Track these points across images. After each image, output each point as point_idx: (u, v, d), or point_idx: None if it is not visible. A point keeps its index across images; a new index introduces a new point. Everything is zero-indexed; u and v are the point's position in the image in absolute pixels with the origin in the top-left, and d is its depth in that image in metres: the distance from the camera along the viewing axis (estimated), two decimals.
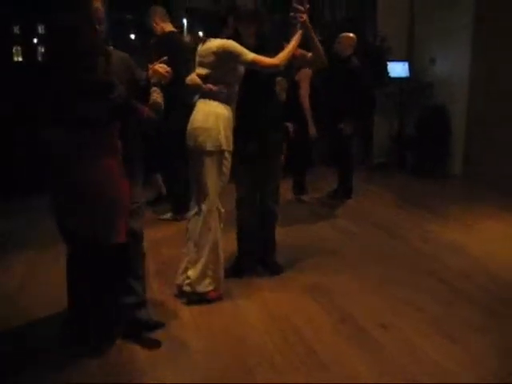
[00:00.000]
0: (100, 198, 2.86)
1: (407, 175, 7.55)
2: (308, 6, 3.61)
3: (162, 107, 3.20)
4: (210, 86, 3.59)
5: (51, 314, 3.61)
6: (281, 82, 7.16)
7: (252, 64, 3.54)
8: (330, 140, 6.63)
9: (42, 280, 4.22)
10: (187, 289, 3.76)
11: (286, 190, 6.63)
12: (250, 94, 3.80)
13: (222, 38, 3.60)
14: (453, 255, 4.63)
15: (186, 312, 3.68)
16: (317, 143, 7.56)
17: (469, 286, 4.01)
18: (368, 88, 6.43)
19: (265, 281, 4.16)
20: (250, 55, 3.51)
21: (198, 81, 3.63)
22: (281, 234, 5.03)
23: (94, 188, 2.84)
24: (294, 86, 5.81)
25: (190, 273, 3.74)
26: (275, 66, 3.58)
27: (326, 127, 6.43)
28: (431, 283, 4.10)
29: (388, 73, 7.67)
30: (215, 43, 3.56)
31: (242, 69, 3.68)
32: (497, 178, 6.49)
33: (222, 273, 3.82)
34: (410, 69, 7.95)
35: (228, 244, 4.22)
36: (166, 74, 3.24)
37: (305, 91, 5.98)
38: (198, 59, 3.70)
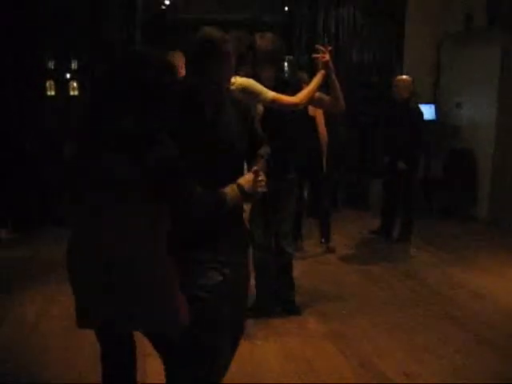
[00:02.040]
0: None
1: (433, 218, 7.45)
2: (331, 47, 3.66)
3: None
4: None
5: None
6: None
7: (272, 102, 3.54)
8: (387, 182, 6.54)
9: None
10: None
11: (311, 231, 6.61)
12: (269, 135, 3.80)
13: (240, 75, 3.62)
14: (477, 302, 4.53)
15: None
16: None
17: (493, 336, 3.91)
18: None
19: (283, 322, 4.10)
20: (270, 93, 3.51)
21: None
22: (302, 275, 5.01)
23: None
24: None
25: None
26: (295, 105, 3.59)
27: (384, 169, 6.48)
28: (453, 330, 4.01)
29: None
30: (237, 81, 3.58)
31: (260, 107, 3.70)
32: None
33: None
34: (436, 112, 7.95)
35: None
36: None
37: (322, 126, 5.82)
38: None
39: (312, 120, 5.72)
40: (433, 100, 8.16)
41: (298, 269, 5.25)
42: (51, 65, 7.09)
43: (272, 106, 3.61)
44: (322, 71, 3.66)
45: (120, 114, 2.02)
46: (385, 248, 6.20)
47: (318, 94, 3.74)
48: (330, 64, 3.64)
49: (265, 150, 2.60)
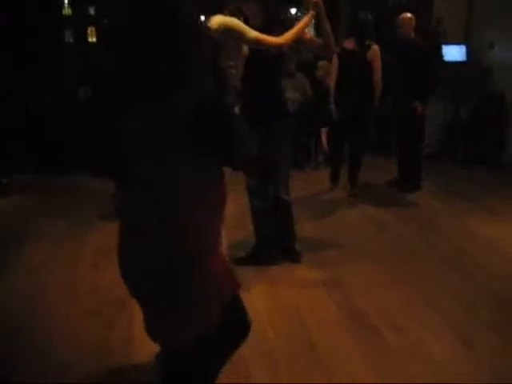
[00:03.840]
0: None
1: (458, 165, 7.18)
2: None
3: None
4: None
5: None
6: (324, 66, 6.98)
7: (255, 42, 3.39)
8: (401, 122, 6.30)
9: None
10: None
11: (326, 174, 6.48)
12: (254, 78, 3.65)
13: (225, 15, 3.46)
14: (488, 254, 4.34)
15: None
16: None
17: (499, 289, 3.73)
18: (436, 69, 6.17)
19: (280, 270, 4.03)
20: (253, 33, 3.36)
21: None
22: (307, 222, 4.91)
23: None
24: (361, 66, 5.58)
25: None
26: (279, 46, 3.43)
27: (395, 110, 6.29)
28: (458, 283, 3.85)
29: (442, 56, 7.28)
30: (216, 20, 3.42)
31: (246, 48, 3.54)
32: None
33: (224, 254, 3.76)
34: (468, 53, 7.54)
35: (246, 232, 4.21)
36: None
37: (379, 72, 5.64)
38: None
39: (368, 65, 5.56)
40: (464, 40, 7.73)
41: (307, 214, 5.20)
42: (68, 11, 7.03)
43: (255, 47, 3.46)
44: (312, 12, 3.48)
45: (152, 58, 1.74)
46: (400, 196, 6.00)
47: (308, 36, 3.59)
48: (321, 5, 3.44)
49: None
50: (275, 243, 4.14)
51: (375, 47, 5.57)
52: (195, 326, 1.84)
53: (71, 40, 7.18)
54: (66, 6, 7.06)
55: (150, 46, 1.73)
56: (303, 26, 3.48)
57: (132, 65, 1.78)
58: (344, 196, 5.96)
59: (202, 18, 3.53)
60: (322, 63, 7.06)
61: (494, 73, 7.28)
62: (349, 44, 5.70)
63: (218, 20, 3.40)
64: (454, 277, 3.93)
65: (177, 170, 1.73)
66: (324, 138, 7.05)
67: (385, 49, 6.69)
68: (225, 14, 3.48)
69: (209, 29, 3.17)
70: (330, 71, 6.23)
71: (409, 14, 5.88)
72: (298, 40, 3.52)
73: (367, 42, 5.58)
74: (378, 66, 5.57)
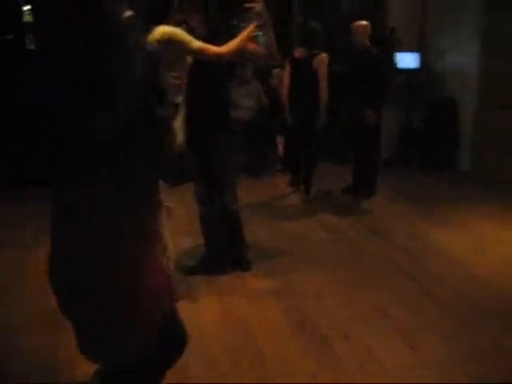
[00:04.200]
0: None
1: (413, 171, 7.25)
2: None
3: None
4: None
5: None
6: (278, 74, 7.01)
7: (199, 53, 3.37)
8: (355, 130, 6.29)
9: None
10: None
11: (283, 182, 6.51)
12: (197, 86, 3.62)
13: (170, 25, 3.43)
14: (435, 257, 4.40)
15: None
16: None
17: (444, 292, 3.78)
18: (388, 76, 6.22)
19: (231, 279, 4.01)
20: (197, 43, 3.33)
21: None
22: (262, 230, 4.89)
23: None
24: (308, 74, 5.64)
25: None
26: (221, 56, 3.41)
27: (349, 118, 6.32)
28: (404, 285, 3.90)
29: (395, 64, 7.37)
30: (160, 31, 3.39)
31: (189, 58, 3.52)
32: (504, 175, 6.18)
33: (171, 265, 3.70)
34: (421, 60, 7.65)
35: (197, 241, 4.24)
36: None
37: (324, 80, 5.67)
38: None
39: (315, 73, 5.60)
40: (417, 48, 7.84)
41: (262, 222, 5.21)
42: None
43: (199, 57, 3.44)
44: (255, 22, 3.46)
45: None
46: (355, 203, 6.04)
47: (251, 46, 3.58)
48: (264, 15, 3.44)
49: None
50: (225, 252, 4.11)
51: (322, 56, 5.62)
52: (131, 344, 1.79)
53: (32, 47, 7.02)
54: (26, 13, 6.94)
55: (73, 60, 1.63)
56: (246, 36, 3.46)
57: (53, 77, 1.70)
58: (299, 203, 5.98)
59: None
60: (276, 71, 7.08)
61: (446, 80, 7.40)
62: (298, 52, 5.78)
63: (161, 30, 3.37)
64: (403, 282, 3.96)
65: (106, 189, 1.67)
66: (280, 146, 7.08)
67: (339, 57, 6.78)
68: (170, 25, 3.45)
69: (148, 43, 3.11)
70: (283, 79, 6.26)
71: (364, 22, 5.91)
72: (242, 50, 3.50)
73: (315, 51, 5.62)
74: (322, 74, 5.61)
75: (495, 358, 2.99)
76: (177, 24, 3.47)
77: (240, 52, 3.46)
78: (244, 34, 3.45)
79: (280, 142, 7.07)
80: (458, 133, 7.23)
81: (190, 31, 3.56)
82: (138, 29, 1.91)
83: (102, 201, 1.68)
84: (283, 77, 6.23)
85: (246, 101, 7.23)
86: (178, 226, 4.52)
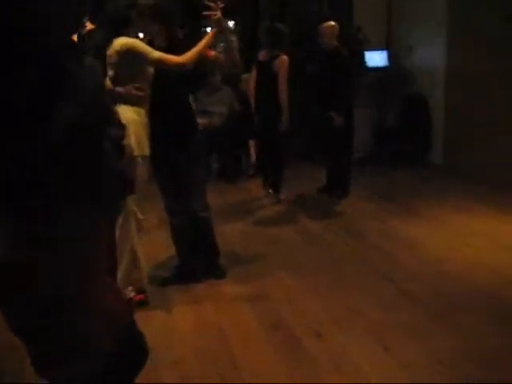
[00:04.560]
0: None
1: (385, 168, 7.30)
2: (222, 4, 3.46)
3: None
4: (120, 89, 3.41)
5: None
6: (246, 78, 7.01)
7: (159, 63, 3.39)
8: (322, 133, 6.37)
9: None
10: None
11: (257, 186, 6.52)
12: (160, 97, 3.61)
13: (130, 36, 3.43)
14: (407, 253, 4.43)
15: None
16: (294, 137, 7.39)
17: (417, 288, 3.80)
18: (353, 76, 6.23)
19: (206, 287, 3.98)
20: (156, 53, 3.35)
21: (109, 84, 3.44)
22: (235, 235, 4.88)
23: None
24: (270, 77, 5.66)
25: None
26: (181, 65, 3.41)
27: (314, 120, 6.33)
28: (378, 285, 3.91)
29: (364, 62, 7.43)
30: (119, 42, 3.38)
31: (151, 69, 3.50)
32: (476, 168, 6.25)
33: (144, 277, 3.73)
34: (389, 58, 7.72)
35: (170, 253, 4.24)
36: None
37: (284, 82, 5.69)
38: (107, 60, 3.51)
39: (276, 75, 5.61)
40: (385, 46, 7.91)
41: (235, 228, 5.21)
42: None
43: (160, 67, 3.45)
44: (213, 30, 3.47)
45: None
46: (328, 204, 6.06)
47: (213, 54, 3.61)
48: (222, 22, 3.44)
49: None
50: (198, 261, 4.09)
51: (282, 58, 5.63)
52: (83, 360, 1.76)
53: None
54: None
55: None
56: (205, 44, 3.47)
57: None
58: (271, 206, 5.99)
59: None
60: (245, 76, 7.08)
61: (415, 76, 7.47)
62: (262, 55, 5.81)
63: (120, 42, 3.37)
64: (377, 282, 3.97)
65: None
66: (252, 150, 7.08)
67: (309, 58, 6.82)
68: (129, 36, 3.45)
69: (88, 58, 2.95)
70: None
71: (332, 23, 5.92)
72: (202, 58, 3.50)
73: (276, 53, 5.64)
74: (282, 76, 5.62)
75: (471, 356, 2.98)
76: (135, 35, 3.47)
77: (200, 60, 3.46)
78: (202, 42, 3.46)
79: (252, 145, 7.08)
80: (430, 128, 7.30)
81: (150, 42, 3.57)
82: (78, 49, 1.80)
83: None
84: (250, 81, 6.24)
85: (217, 107, 7.26)
86: (150, 238, 4.51)
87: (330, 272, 4.18)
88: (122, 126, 1.84)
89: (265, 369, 2.95)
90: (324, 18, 6.65)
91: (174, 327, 3.43)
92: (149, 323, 3.43)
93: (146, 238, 4.63)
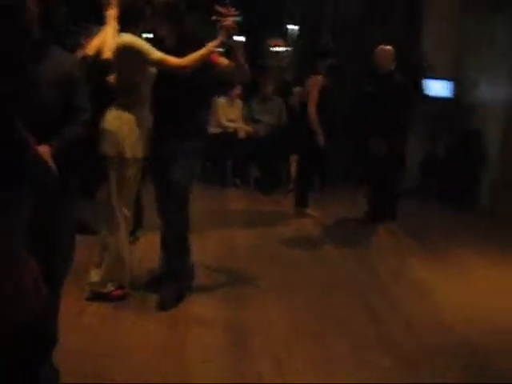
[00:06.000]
0: None
1: (430, 203, 6.94)
2: (234, 10, 3.37)
3: None
4: None
5: None
6: (299, 92, 6.82)
7: (159, 64, 3.35)
8: (365, 159, 6.19)
9: None
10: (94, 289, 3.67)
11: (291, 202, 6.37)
12: (162, 98, 3.56)
13: (136, 33, 3.41)
14: (412, 299, 4.11)
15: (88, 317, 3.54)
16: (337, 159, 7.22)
17: (402, 338, 3.52)
18: (409, 105, 6.06)
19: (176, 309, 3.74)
20: (157, 54, 3.31)
21: (111, 80, 3.45)
22: (223, 253, 4.85)
23: None
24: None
25: (93, 274, 3.65)
26: (182, 68, 3.35)
27: (358, 146, 6.27)
28: (362, 324, 3.68)
29: (422, 90, 7.13)
30: (123, 39, 3.37)
31: (152, 69, 3.45)
32: None
33: (126, 273, 3.70)
34: (453, 89, 7.37)
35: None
36: None
37: (312, 101, 5.74)
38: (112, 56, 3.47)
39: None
40: (451, 75, 7.54)
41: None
42: None
43: (160, 68, 3.41)
44: (221, 36, 3.40)
45: None
46: (358, 232, 5.83)
47: (220, 59, 3.53)
48: (231, 30, 3.37)
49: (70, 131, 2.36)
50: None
51: (315, 78, 5.67)
52: None
53: None
54: None
55: None
56: (210, 49, 3.40)
57: None
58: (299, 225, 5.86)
59: None
60: (296, 89, 6.93)
61: (477, 111, 7.08)
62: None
63: (124, 38, 3.37)
64: (360, 316, 3.78)
65: None
66: (293, 166, 6.91)
67: (363, 80, 6.64)
68: (136, 33, 3.45)
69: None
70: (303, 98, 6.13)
71: (388, 47, 5.80)
72: (206, 63, 3.43)
73: (313, 73, 5.79)
74: (312, 96, 5.66)
75: None
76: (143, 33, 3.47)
77: (202, 64, 3.39)
78: (208, 46, 3.39)
79: (293, 161, 6.92)
80: (481, 165, 6.91)
81: (160, 41, 3.54)
82: None
83: None
84: (303, 95, 6.15)
85: (266, 117, 7.23)
86: (149, 238, 4.51)
87: (314, 300, 3.99)
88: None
89: None
90: (384, 40, 6.47)
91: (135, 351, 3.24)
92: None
93: (145, 238, 4.68)
